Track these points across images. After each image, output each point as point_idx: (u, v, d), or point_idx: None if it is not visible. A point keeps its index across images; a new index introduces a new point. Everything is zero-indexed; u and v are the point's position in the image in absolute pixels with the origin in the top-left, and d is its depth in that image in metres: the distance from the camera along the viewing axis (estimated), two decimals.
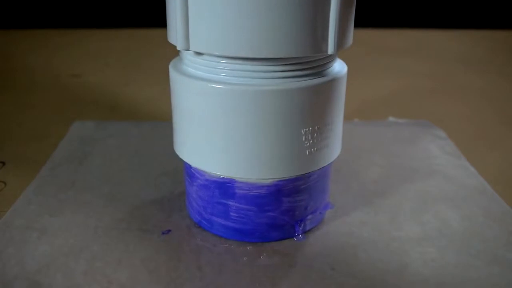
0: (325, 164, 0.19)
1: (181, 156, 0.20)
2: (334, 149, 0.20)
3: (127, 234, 0.20)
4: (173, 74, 0.19)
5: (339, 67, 0.19)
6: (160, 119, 0.32)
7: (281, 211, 0.19)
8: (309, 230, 0.20)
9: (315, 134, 0.18)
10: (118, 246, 0.19)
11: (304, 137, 0.18)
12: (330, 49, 0.17)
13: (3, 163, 0.26)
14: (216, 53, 0.17)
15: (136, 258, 0.19)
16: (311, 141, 0.18)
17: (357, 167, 0.26)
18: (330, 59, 0.18)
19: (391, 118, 0.32)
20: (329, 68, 0.19)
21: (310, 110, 0.18)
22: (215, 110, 0.18)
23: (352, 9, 0.18)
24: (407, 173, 0.25)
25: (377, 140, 0.29)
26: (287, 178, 0.18)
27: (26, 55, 0.49)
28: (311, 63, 0.18)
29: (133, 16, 0.60)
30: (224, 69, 0.17)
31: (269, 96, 0.17)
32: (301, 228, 0.20)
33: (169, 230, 0.20)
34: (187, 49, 0.17)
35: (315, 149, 0.18)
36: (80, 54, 0.50)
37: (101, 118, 0.32)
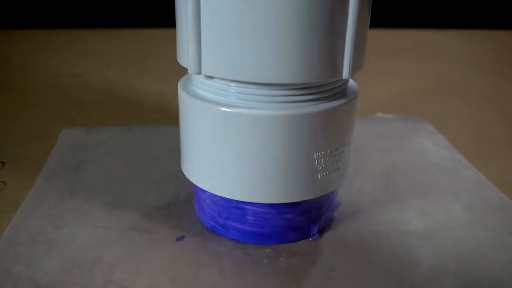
0: (337, 187, 0.19)
1: (189, 178, 0.20)
2: (346, 171, 0.19)
3: (139, 243, 0.19)
4: (182, 95, 0.18)
5: (351, 88, 0.19)
6: (161, 120, 0.32)
7: (298, 213, 0.19)
8: (322, 230, 0.20)
9: (328, 158, 0.18)
10: (133, 256, 0.19)
11: (316, 161, 0.18)
12: (345, 74, 0.17)
13: (3, 163, 0.26)
14: (229, 78, 0.17)
15: (155, 266, 0.18)
16: (323, 165, 0.18)
17: (356, 163, 0.26)
18: (343, 81, 0.18)
19: (379, 114, 0.33)
20: (341, 90, 0.18)
21: (323, 134, 0.17)
22: (225, 134, 0.17)
23: (367, 31, 0.18)
24: (405, 168, 0.26)
25: (371, 136, 0.29)
26: None
27: (26, 55, 0.48)
28: (324, 87, 0.17)
29: (134, 16, 0.59)
30: (235, 92, 0.17)
31: (280, 121, 0.17)
32: (316, 228, 0.20)
33: (183, 237, 0.20)
34: (199, 73, 0.17)
35: (327, 172, 0.18)
36: (80, 54, 0.49)
37: (101, 119, 0.32)
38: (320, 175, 0.18)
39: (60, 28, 0.57)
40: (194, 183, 0.19)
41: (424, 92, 0.39)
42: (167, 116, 0.32)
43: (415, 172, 0.25)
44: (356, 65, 0.17)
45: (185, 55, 0.17)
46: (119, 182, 0.24)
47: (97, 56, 0.48)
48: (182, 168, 0.20)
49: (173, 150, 0.26)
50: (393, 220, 0.21)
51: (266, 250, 0.19)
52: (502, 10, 0.60)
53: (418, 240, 0.20)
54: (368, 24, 0.18)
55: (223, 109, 0.17)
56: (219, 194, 0.18)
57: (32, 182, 0.24)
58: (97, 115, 0.33)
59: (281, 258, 0.19)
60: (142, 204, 0.22)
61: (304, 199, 0.18)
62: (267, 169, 0.17)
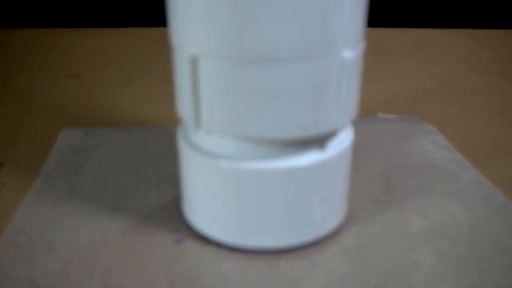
0: (333, 227, 0.20)
1: (189, 219, 0.20)
2: (341, 211, 0.20)
3: (138, 245, 0.19)
4: (181, 145, 0.19)
5: (346, 134, 0.19)
6: (159, 120, 0.32)
7: None
8: None
9: (325, 203, 0.18)
10: (132, 258, 0.19)
11: (314, 206, 0.18)
12: (340, 123, 0.17)
13: (2, 164, 0.26)
14: (228, 134, 0.17)
15: (153, 269, 0.18)
16: (321, 210, 0.18)
17: (356, 164, 0.26)
18: (337, 130, 0.18)
19: (380, 114, 0.32)
20: (336, 138, 0.19)
21: (321, 183, 0.18)
22: (222, 185, 0.18)
23: (359, 81, 0.18)
24: (405, 168, 0.26)
25: (371, 136, 0.29)
26: None
27: (25, 55, 0.48)
28: (318, 136, 0.18)
29: (133, 15, 0.59)
30: (232, 145, 0.18)
31: (278, 174, 0.17)
32: None
33: (182, 239, 0.20)
34: (198, 128, 0.17)
35: (325, 216, 0.19)
36: (79, 54, 0.49)
37: (100, 119, 0.32)
38: (318, 219, 0.19)
39: (59, 28, 0.57)
40: (194, 225, 0.20)
41: (424, 92, 0.39)
42: (167, 117, 0.32)
43: (415, 172, 0.25)
44: (349, 114, 0.17)
45: (184, 111, 0.18)
46: (118, 184, 0.24)
47: (97, 56, 0.48)
48: (182, 208, 0.21)
49: (172, 151, 0.26)
50: (393, 221, 0.21)
51: (266, 253, 0.19)
52: (502, 10, 0.60)
53: (418, 242, 0.20)
54: (360, 76, 0.18)
55: (221, 163, 0.17)
56: (217, 238, 0.19)
57: (31, 183, 0.24)
58: (95, 116, 0.33)
59: (281, 261, 0.19)
60: (141, 206, 0.22)
61: (302, 241, 0.19)
62: (266, 218, 0.18)
